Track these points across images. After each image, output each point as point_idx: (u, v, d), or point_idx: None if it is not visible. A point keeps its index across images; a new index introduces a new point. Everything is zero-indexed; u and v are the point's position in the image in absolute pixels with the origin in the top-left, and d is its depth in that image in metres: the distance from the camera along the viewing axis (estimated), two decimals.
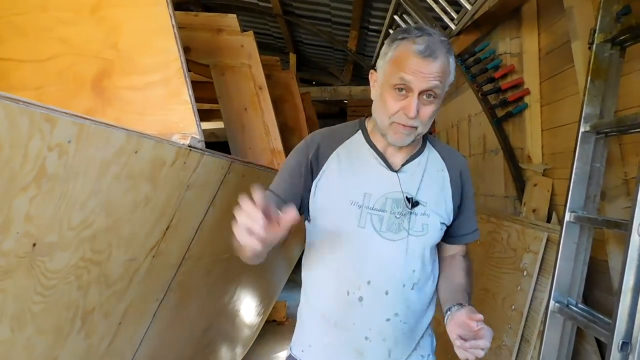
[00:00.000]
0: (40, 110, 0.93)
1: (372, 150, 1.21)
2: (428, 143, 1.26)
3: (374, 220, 1.16)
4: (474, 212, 1.32)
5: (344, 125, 1.28)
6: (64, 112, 0.98)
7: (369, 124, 1.24)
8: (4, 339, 1.13)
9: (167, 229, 1.51)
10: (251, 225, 0.85)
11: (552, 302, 1.66)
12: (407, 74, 1.06)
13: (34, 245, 1.08)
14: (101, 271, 1.34)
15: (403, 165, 1.20)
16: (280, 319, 4.44)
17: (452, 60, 1.11)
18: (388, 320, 1.19)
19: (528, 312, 1.96)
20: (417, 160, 1.22)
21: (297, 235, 2.46)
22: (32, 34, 1.54)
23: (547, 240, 1.97)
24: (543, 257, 1.96)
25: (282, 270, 3.40)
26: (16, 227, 1.01)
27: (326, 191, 1.19)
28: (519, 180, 2.56)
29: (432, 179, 1.22)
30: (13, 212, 0.98)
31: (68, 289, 1.26)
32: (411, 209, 1.17)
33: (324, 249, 1.24)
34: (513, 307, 2.08)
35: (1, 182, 0.92)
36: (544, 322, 1.73)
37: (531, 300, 1.96)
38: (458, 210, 1.26)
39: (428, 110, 1.09)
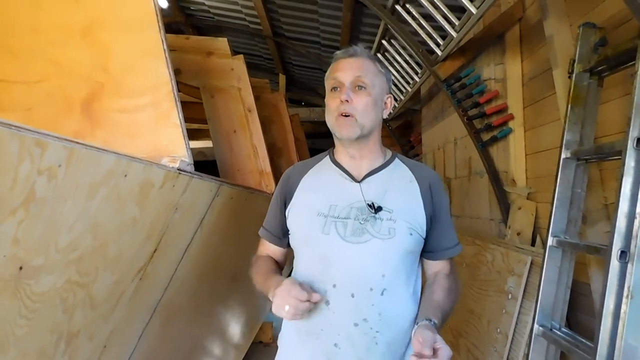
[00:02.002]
0: (32, 134, 0.93)
1: (336, 167, 1.32)
2: (397, 159, 1.35)
3: (338, 227, 1.23)
4: (451, 225, 1.33)
5: (316, 156, 1.42)
6: (55, 137, 0.99)
7: (336, 148, 1.37)
8: None
9: (154, 251, 1.51)
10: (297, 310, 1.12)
11: (535, 325, 1.67)
12: (336, 72, 1.27)
13: (21, 268, 1.07)
14: (87, 294, 1.33)
15: (366, 177, 1.29)
16: (266, 340, 4.39)
17: (379, 66, 1.31)
18: (356, 325, 1.19)
19: (513, 335, 1.98)
20: (382, 172, 1.30)
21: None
22: (22, 55, 1.54)
23: (531, 263, 2.00)
24: (527, 280, 1.99)
25: None
26: (3, 250, 1.00)
27: (297, 212, 1.31)
28: (503, 203, 2.60)
29: (399, 188, 1.28)
30: (0, 235, 0.97)
31: (53, 312, 1.24)
32: (375, 213, 1.22)
33: (297, 262, 1.31)
34: (498, 330, 2.10)
35: None
36: (528, 346, 1.75)
37: (516, 323, 1.98)
38: (431, 221, 1.27)
39: (361, 100, 1.24)
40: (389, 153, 1.36)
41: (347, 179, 1.29)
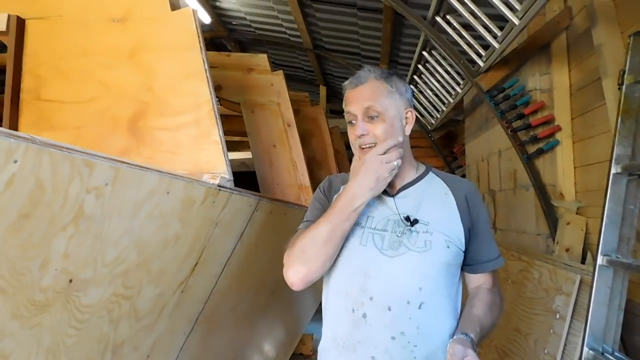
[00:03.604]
0: (81, 155, 0.98)
1: None
2: (431, 172, 1.35)
3: (375, 239, 1.23)
4: (491, 237, 1.31)
5: None
6: (102, 157, 1.04)
7: None
8: None
9: (195, 265, 1.55)
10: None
11: (585, 348, 1.59)
12: (347, 106, 1.28)
13: (70, 281, 1.13)
14: (132, 306, 1.38)
15: (400, 190, 1.30)
16: (307, 353, 4.39)
17: (389, 83, 1.27)
18: (393, 338, 1.18)
19: (562, 357, 1.89)
20: (415, 186, 1.30)
21: None
22: (73, 77, 1.63)
23: (581, 282, 1.91)
24: (576, 300, 1.90)
25: (309, 302, 3.39)
26: (55, 265, 1.06)
27: None
28: (551, 217, 2.50)
29: (434, 201, 1.27)
30: (52, 250, 1.03)
31: (100, 322, 1.30)
32: (411, 226, 1.22)
33: (332, 272, 1.29)
34: (546, 351, 2.01)
35: (42, 223, 0.97)
36: None
37: (564, 345, 1.89)
38: (470, 234, 1.26)
39: (377, 127, 1.24)
40: (422, 167, 1.36)
41: (382, 193, 1.29)
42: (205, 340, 1.97)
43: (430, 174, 1.34)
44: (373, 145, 1.24)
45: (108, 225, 1.14)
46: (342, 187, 1.31)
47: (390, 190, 1.30)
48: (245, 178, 2.59)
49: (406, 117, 1.29)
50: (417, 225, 1.22)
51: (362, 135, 1.24)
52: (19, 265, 0.96)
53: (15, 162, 0.85)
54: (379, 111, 1.23)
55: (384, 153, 1.21)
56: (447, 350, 1.06)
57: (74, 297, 1.16)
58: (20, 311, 1.02)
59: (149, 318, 1.49)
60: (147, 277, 1.37)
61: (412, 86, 4.62)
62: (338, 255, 1.27)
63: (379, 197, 1.29)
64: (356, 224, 1.25)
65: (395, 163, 1.21)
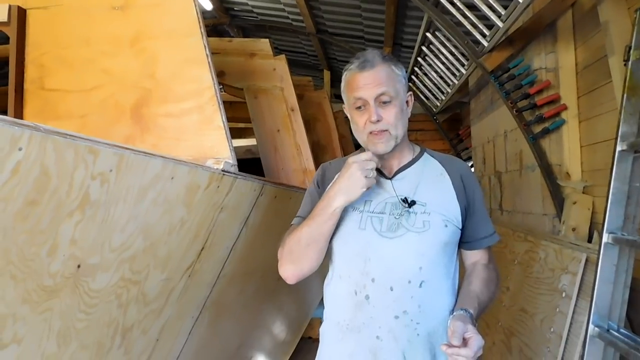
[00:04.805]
0: (85, 142, 0.99)
1: None
2: (426, 154, 1.36)
3: (374, 222, 1.25)
4: (486, 215, 1.34)
5: (348, 155, 1.39)
6: (106, 143, 1.05)
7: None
8: (51, 353, 1.19)
9: (201, 250, 1.56)
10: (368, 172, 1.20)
11: (591, 326, 1.60)
12: (357, 91, 1.24)
13: (79, 266, 1.15)
14: (140, 290, 1.40)
15: (397, 173, 1.31)
16: (315, 336, 4.43)
17: (395, 67, 1.26)
18: (397, 317, 1.21)
19: (567, 335, 1.90)
20: (411, 167, 1.32)
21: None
22: (77, 66, 1.64)
23: (587, 261, 1.91)
24: (582, 279, 1.90)
25: (317, 286, 3.42)
26: (62, 250, 1.07)
27: None
28: (557, 197, 2.49)
29: (430, 182, 1.29)
30: (60, 236, 1.05)
31: (109, 307, 1.32)
32: (409, 207, 1.24)
33: (334, 257, 1.32)
34: (552, 330, 2.02)
35: (49, 210, 0.99)
36: (583, 347, 1.67)
37: (570, 323, 1.89)
38: (466, 212, 1.29)
39: (390, 112, 1.24)
40: (418, 148, 1.38)
41: (379, 176, 1.30)
42: (213, 325, 2.00)
43: (426, 155, 1.36)
44: (383, 131, 1.24)
45: (114, 211, 1.16)
46: (336, 175, 1.32)
47: (387, 173, 1.32)
48: (251, 164, 2.60)
49: (407, 101, 1.31)
50: (414, 207, 1.24)
51: (378, 120, 1.23)
52: (28, 251, 0.98)
53: (20, 149, 0.86)
54: (392, 96, 1.23)
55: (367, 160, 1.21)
56: (448, 327, 1.09)
57: (82, 282, 1.18)
58: (30, 296, 1.04)
59: (157, 302, 1.51)
60: (154, 262, 1.39)
61: (416, 68, 4.59)
62: (338, 241, 1.29)
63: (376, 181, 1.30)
64: (354, 208, 1.28)
65: (372, 174, 1.22)
